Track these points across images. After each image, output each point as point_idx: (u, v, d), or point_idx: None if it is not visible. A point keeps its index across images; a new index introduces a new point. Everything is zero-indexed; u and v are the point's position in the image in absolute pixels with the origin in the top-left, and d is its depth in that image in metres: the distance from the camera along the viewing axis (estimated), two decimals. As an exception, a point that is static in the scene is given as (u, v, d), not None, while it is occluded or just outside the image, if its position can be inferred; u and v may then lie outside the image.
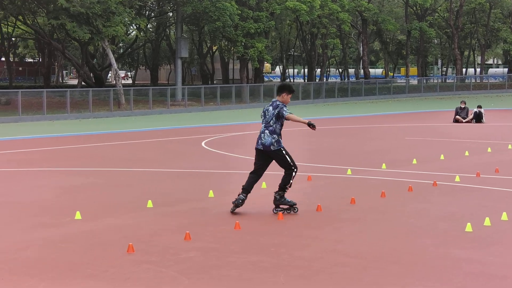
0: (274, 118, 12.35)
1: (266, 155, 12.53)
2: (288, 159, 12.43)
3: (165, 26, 78.53)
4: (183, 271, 8.76)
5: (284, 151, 12.45)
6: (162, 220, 11.91)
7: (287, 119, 12.28)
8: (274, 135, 12.36)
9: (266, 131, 12.38)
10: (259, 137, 12.50)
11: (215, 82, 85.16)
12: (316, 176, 16.73)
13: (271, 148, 12.36)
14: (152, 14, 72.18)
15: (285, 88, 12.60)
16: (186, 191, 15.09)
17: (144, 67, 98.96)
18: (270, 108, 12.45)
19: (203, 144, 25.40)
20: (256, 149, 12.63)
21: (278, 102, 12.43)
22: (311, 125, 12.15)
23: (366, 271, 8.81)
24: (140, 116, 43.95)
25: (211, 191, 14.31)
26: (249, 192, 12.60)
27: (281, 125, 12.48)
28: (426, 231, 10.99)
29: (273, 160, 12.62)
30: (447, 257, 9.43)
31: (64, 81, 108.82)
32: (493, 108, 47.20)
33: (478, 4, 79.83)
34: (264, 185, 15.17)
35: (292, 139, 27.89)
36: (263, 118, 12.54)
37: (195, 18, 61.82)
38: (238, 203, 12.48)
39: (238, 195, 12.54)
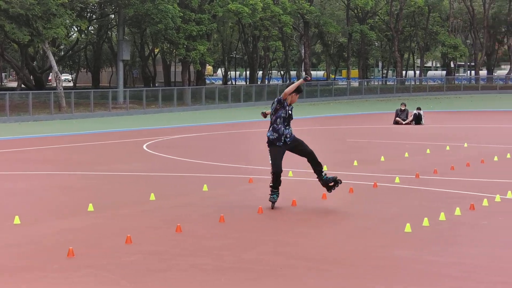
0: (273, 113, 13.05)
1: (287, 147, 13.28)
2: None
3: (107, 28, 77.97)
4: (125, 274, 8.71)
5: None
6: (104, 224, 11.83)
7: (285, 96, 12.86)
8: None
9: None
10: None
11: (157, 84, 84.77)
12: (257, 178, 16.79)
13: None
14: (94, 16, 71.56)
15: None
16: (127, 194, 15.02)
17: (85, 70, 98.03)
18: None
19: (144, 147, 25.29)
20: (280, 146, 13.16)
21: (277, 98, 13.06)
22: (305, 79, 12.98)
23: (312, 273, 8.88)
24: (81, 119, 43.57)
25: (152, 194, 14.26)
26: (322, 170, 13.53)
27: (279, 118, 13.01)
28: (369, 232, 11.12)
29: (291, 147, 13.34)
30: (389, 257, 9.56)
31: (2, 83, 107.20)
32: (432, 110, 47.89)
33: (417, 7, 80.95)
34: (205, 187, 15.18)
35: (232, 141, 27.95)
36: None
37: (137, 20, 61.50)
38: (328, 180, 13.38)
39: (323, 176, 13.44)
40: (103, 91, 55.64)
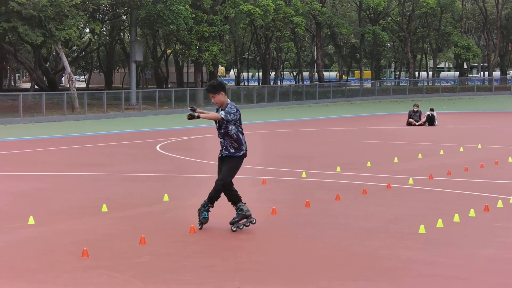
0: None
1: None
2: None
3: (119, 30, 78.10)
4: (136, 275, 8.69)
5: None
6: (116, 225, 11.81)
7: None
8: None
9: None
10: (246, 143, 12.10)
11: (169, 85, 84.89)
12: (270, 179, 16.74)
13: None
14: (106, 17, 71.67)
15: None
16: (140, 195, 14.99)
17: (98, 71, 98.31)
18: None
19: (157, 147, 25.29)
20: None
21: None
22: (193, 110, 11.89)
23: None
24: (94, 120, 43.65)
25: (166, 195, 14.24)
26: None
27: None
28: (378, 233, 11.05)
29: None
30: (398, 259, 9.49)
31: (16, 84, 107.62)
32: (445, 111, 47.73)
33: (429, 8, 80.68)
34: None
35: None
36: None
37: (149, 21, 61.58)
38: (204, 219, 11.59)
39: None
40: (116, 92, 55.70)
